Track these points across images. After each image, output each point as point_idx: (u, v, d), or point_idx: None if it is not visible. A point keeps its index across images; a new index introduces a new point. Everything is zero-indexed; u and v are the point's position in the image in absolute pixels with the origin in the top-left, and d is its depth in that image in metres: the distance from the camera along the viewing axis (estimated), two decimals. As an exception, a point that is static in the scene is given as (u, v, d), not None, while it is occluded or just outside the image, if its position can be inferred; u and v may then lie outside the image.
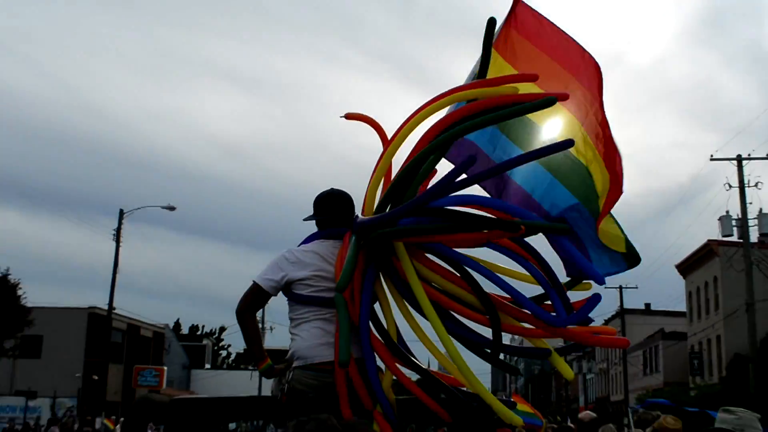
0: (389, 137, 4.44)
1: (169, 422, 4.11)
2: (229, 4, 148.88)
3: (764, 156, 32.77)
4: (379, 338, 4.08)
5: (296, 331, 4.23)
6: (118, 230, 39.27)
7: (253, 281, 4.24)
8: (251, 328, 4.30)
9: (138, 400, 3.95)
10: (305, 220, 4.56)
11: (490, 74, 4.68)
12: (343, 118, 4.88)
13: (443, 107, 4.22)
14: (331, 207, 4.52)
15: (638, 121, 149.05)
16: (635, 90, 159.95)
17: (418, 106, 4.29)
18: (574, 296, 4.40)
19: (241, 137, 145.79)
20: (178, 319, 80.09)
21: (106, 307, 40.25)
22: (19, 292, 33.32)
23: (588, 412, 9.50)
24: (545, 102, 3.91)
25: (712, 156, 33.03)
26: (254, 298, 4.25)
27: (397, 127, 4.34)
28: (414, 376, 4.19)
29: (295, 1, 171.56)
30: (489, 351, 4.14)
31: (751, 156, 32.64)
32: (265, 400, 4.06)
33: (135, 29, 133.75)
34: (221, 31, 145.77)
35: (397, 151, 4.29)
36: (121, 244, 39.10)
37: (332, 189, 4.60)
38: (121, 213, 39.81)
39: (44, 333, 46.47)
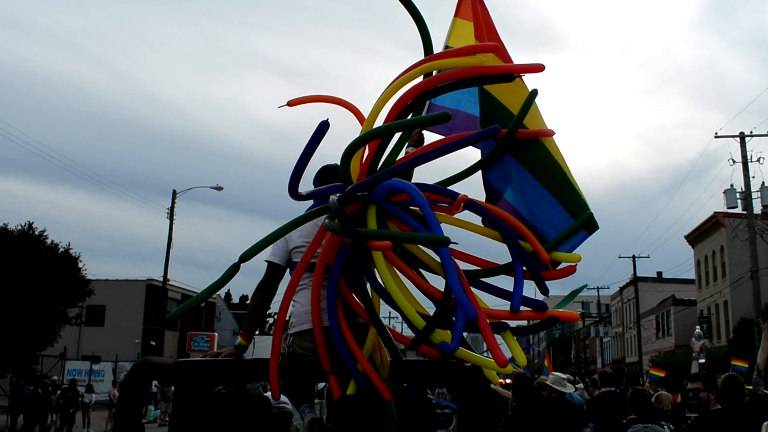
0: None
1: (175, 383, 4.02)
2: (273, 3, 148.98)
3: (766, 133, 32.26)
4: (362, 305, 3.83)
5: (295, 298, 4.10)
6: (172, 209, 39.55)
7: (265, 260, 4.22)
8: (254, 300, 4.28)
9: (138, 362, 3.84)
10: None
11: (461, 42, 4.54)
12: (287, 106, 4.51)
13: (415, 77, 3.90)
14: (326, 179, 4.42)
15: (649, 103, 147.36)
16: (647, 74, 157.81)
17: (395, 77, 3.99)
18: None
19: (284, 122, 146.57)
20: (228, 290, 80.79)
21: (162, 279, 40.63)
22: (80, 265, 33.40)
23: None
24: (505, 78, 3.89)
25: (716, 134, 32.58)
26: (269, 275, 4.23)
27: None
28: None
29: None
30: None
31: (753, 133, 32.17)
32: (267, 362, 3.91)
33: (190, 28, 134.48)
34: (266, 27, 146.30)
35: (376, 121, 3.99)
36: (174, 221, 39.43)
37: (327, 165, 4.50)
38: (174, 193, 40.08)
39: (107, 303, 47.29)
